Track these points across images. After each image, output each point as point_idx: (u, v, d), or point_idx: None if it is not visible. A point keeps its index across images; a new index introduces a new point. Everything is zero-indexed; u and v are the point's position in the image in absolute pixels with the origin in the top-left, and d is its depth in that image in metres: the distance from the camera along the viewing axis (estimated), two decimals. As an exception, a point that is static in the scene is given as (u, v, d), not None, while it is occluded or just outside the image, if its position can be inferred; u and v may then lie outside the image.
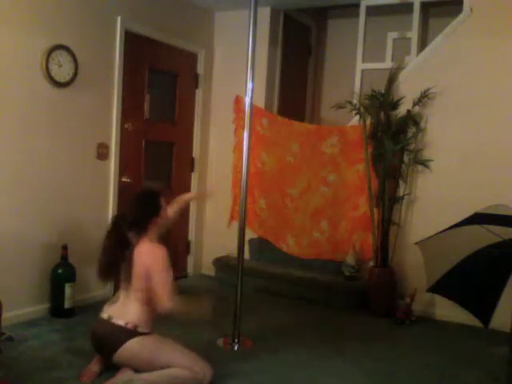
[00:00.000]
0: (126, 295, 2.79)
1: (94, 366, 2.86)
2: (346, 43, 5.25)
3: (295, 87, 5.57)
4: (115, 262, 2.80)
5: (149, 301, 2.73)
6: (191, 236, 5.14)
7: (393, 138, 4.19)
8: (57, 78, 3.70)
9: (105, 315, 2.79)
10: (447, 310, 4.10)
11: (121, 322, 2.71)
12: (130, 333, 2.69)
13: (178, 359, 2.72)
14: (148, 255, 2.74)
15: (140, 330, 2.72)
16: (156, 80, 4.66)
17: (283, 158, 4.81)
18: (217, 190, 4.90)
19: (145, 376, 2.70)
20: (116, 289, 2.74)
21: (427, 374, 3.17)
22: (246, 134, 3.38)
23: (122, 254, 2.78)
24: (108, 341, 2.71)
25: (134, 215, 2.81)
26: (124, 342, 2.67)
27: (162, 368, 2.69)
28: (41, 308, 3.74)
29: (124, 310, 2.74)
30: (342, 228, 4.59)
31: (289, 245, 4.82)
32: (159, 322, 2.87)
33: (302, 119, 5.41)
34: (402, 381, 3.07)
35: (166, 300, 2.65)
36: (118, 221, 2.89)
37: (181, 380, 2.69)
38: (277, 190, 4.84)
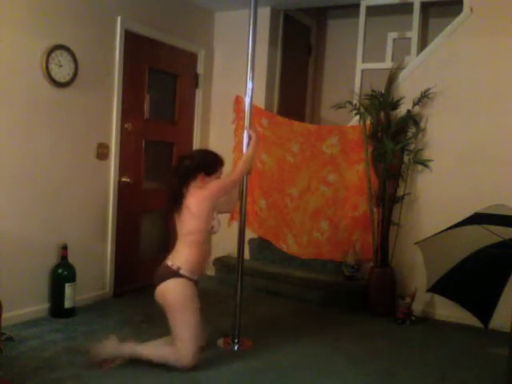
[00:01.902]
0: (179, 241, 3.05)
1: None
2: (346, 43, 5.25)
3: (295, 87, 5.57)
4: (179, 196, 3.02)
5: (197, 244, 3.00)
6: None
7: (393, 138, 4.19)
8: (57, 78, 3.70)
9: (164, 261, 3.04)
10: (447, 310, 4.10)
11: (168, 263, 2.97)
12: (172, 273, 2.93)
13: (182, 329, 2.90)
14: (197, 196, 3.00)
15: (182, 272, 2.93)
16: (156, 80, 4.66)
17: (283, 157, 4.81)
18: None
19: (140, 348, 2.97)
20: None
21: (427, 374, 3.17)
22: (245, 134, 3.38)
23: (185, 190, 3.02)
24: (155, 278, 2.98)
25: (198, 159, 3.11)
26: (165, 279, 2.93)
27: (171, 319, 2.92)
28: (41, 308, 3.74)
29: (174, 254, 3.02)
30: (341, 228, 4.59)
31: (289, 245, 4.82)
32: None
33: (302, 119, 5.41)
34: (402, 381, 3.07)
35: (242, 174, 3.26)
36: (183, 160, 3.12)
37: (168, 362, 2.92)
38: (277, 190, 4.84)
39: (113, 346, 2.95)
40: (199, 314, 2.98)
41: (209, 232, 3.11)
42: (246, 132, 3.39)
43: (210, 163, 3.15)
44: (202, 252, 3.04)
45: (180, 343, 2.90)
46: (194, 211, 2.99)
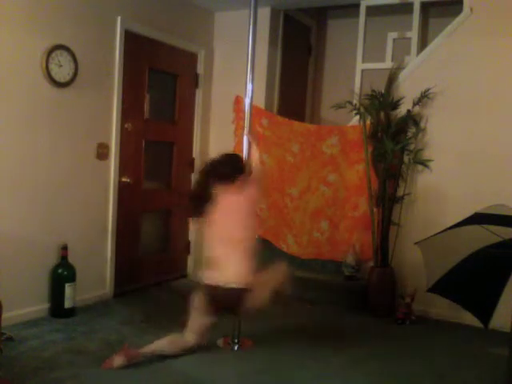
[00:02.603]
0: (226, 254, 2.99)
1: (116, 360, 2.96)
2: (346, 43, 5.25)
3: (295, 87, 5.57)
4: (202, 203, 3.05)
5: (249, 251, 3.00)
6: (191, 236, 5.13)
7: (393, 138, 4.19)
8: (57, 78, 3.70)
9: (213, 282, 2.99)
10: (447, 310, 4.10)
11: (233, 285, 2.93)
12: (244, 291, 2.93)
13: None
14: (243, 201, 3.04)
15: (247, 284, 2.94)
16: (156, 80, 4.66)
17: (283, 158, 4.81)
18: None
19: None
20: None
21: (427, 374, 3.17)
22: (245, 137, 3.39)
23: (207, 199, 3.03)
24: (230, 304, 2.99)
25: (225, 168, 3.09)
26: (243, 299, 2.94)
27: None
28: (41, 308, 3.74)
29: (230, 272, 2.96)
30: (342, 228, 4.59)
31: (289, 245, 4.82)
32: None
33: (302, 119, 5.41)
34: (402, 381, 3.07)
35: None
36: (208, 169, 3.14)
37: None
38: (277, 190, 4.84)
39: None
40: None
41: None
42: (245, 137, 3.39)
43: (246, 168, 3.18)
44: (252, 260, 3.02)
45: None
46: (244, 217, 2.99)
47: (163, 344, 3.09)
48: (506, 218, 3.46)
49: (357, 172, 4.48)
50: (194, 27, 4.99)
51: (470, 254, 3.59)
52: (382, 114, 4.28)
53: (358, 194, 4.48)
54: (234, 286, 2.95)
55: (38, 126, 3.65)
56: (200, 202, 3.08)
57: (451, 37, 4.19)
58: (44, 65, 3.61)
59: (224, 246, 3.02)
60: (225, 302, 3.02)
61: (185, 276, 5.10)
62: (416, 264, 4.19)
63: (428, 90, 4.15)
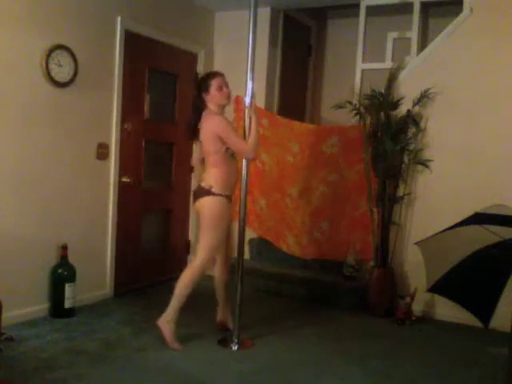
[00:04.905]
0: (206, 163, 3.44)
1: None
2: (346, 43, 5.26)
3: (295, 87, 5.57)
4: (193, 124, 3.43)
5: (220, 163, 3.34)
6: (191, 236, 5.13)
7: (393, 138, 4.19)
8: (57, 78, 3.70)
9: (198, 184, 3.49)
10: (447, 310, 4.10)
11: (203, 185, 3.37)
12: (206, 192, 3.33)
13: (205, 238, 3.38)
14: (212, 123, 3.35)
15: (213, 190, 3.31)
16: (156, 80, 4.66)
17: (283, 158, 4.80)
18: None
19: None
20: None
21: (427, 374, 3.17)
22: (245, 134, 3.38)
23: (197, 118, 3.41)
24: (194, 197, 3.45)
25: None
26: (201, 196, 3.35)
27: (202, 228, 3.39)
28: (41, 308, 3.74)
29: (205, 176, 3.40)
30: (342, 228, 4.59)
31: (289, 245, 4.81)
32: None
33: (302, 119, 5.41)
34: (401, 381, 3.07)
35: (246, 153, 3.34)
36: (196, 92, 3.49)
37: (196, 279, 3.36)
38: (277, 190, 4.84)
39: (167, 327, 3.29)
40: (226, 231, 3.44)
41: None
42: (246, 113, 3.44)
43: (204, 81, 3.56)
44: (227, 170, 3.37)
45: (199, 248, 3.41)
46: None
47: (181, 291, 3.32)
48: (506, 218, 3.46)
49: (357, 172, 4.48)
50: (194, 27, 4.99)
51: (470, 254, 3.60)
52: (382, 114, 4.28)
53: (358, 194, 4.47)
54: (202, 185, 3.38)
55: (38, 125, 3.65)
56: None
57: (451, 37, 4.19)
58: (44, 65, 3.61)
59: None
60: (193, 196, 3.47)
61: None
62: (416, 264, 4.19)
63: (428, 90, 4.15)
